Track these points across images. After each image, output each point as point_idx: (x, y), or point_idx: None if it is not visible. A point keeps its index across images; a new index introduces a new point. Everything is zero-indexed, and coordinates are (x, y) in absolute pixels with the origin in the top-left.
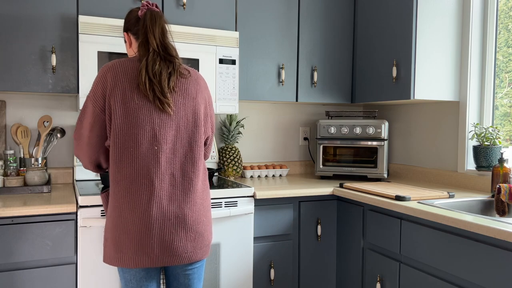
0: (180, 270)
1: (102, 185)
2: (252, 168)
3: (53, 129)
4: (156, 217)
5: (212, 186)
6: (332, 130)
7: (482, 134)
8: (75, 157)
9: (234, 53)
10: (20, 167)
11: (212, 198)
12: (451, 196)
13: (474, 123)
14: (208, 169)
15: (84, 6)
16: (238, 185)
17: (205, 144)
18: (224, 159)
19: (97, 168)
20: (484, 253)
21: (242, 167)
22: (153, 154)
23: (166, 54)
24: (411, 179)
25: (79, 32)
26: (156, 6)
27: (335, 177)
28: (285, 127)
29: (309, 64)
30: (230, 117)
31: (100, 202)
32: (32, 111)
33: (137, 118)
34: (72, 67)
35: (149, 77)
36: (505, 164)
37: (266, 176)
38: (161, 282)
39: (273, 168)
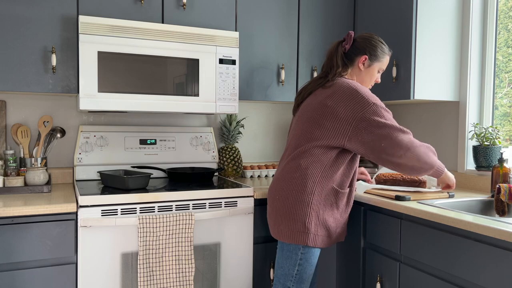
0: None
1: (103, 185)
2: (252, 168)
3: (53, 129)
4: None
5: (212, 186)
6: None
7: (482, 134)
8: (75, 157)
9: (234, 53)
10: (20, 167)
11: (212, 198)
12: (450, 196)
13: (474, 123)
14: (208, 169)
15: (84, 6)
16: (238, 185)
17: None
18: (224, 159)
19: None
20: (484, 253)
21: (242, 167)
22: None
23: None
24: None
25: (79, 32)
26: None
27: None
28: (285, 127)
29: (309, 64)
30: (230, 117)
31: (100, 202)
32: (32, 111)
33: None
34: (72, 67)
35: None
36: (504, 164)
37: (266, 176)
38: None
39: (273, 168)
